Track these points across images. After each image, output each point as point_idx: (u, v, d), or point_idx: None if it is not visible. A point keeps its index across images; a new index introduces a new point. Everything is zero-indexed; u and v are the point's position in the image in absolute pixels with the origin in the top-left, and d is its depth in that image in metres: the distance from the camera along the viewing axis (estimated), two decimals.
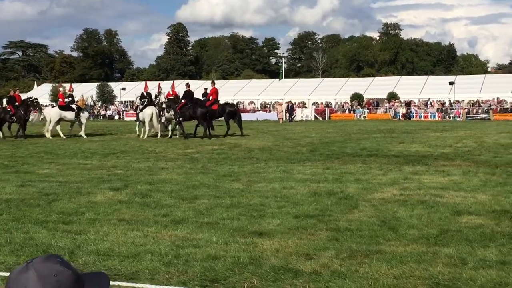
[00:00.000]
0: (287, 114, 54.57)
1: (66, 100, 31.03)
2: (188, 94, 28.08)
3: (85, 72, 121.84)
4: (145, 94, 30.54)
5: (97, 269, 6.32)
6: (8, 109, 30.02)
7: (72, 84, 44.28)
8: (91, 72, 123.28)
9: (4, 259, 6.76)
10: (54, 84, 76.09)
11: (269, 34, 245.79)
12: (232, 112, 28.57)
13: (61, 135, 28.93)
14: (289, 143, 23.36)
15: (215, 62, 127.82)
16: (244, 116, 58.99)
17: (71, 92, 32.66)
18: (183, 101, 27.93)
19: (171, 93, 31.21)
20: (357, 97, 64.31)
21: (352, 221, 8.44)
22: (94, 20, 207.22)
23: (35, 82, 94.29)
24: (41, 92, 76.33)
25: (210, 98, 28.81)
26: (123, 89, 72.82)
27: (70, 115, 29.76)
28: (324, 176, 13.39)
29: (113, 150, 20.90)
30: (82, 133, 29.25)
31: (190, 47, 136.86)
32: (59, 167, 15.94)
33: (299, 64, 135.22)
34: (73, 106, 30.08)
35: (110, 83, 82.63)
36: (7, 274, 5.91)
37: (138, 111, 30.16)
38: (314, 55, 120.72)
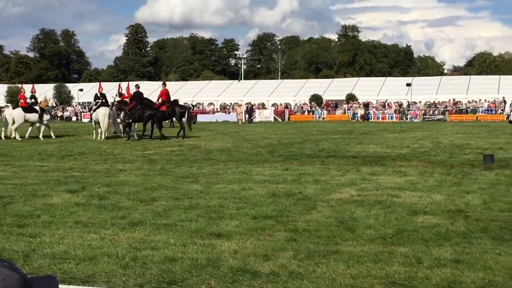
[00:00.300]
0: (247, 116, 54.65)
1: (28, 101, 30.60)
2: (138, 95, 28.06)
3: (41, 73, 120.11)
4: (99, 95, 30.26)
5: (53, 272, 6.22)
6: None
7: (28, 84, 43.64)
8: (48, 73, 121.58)
9: None
10: (9, 85, 74.87)
11: (228, 35, 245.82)
12: (182, 112, 28.53)
13: (17, 137, 28.42)
14: (248, 144, 23.39)
15: (174, 63, 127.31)
16: (204, 118, 59.02)
17: (33, 94, 32.26)
18: (133, 102, 27.86)
19: (126, 95, 31.09)
20: (316, 99, 64.73)
21: (310, 222, 8.48)
22: (51, 20, 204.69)
23: None
24: None
25: (160, 99, 28.94)
26: (81, 90, 72.04)
27: (33, 117, 29.34)
28: (283, 177, 13.44)
29: (70, 152, 20.64)
30: (41, 135, 28.95)
31: (148, 48, 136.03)
32: (14, 169, 15.67)
33: (259, 66, 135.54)
34: (36, 107, 29.73)
35: (68, 84, 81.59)
36: None
37: (91, 112, 29.95)
38: (273, 57, 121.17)
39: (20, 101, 31.50)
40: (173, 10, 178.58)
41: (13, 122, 28.61)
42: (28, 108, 29.51)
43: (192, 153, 19.99)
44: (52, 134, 29.40)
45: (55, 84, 78.84)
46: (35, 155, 19.57)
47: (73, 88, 77.64)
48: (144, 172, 14.68)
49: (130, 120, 27.74)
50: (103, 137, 27.77)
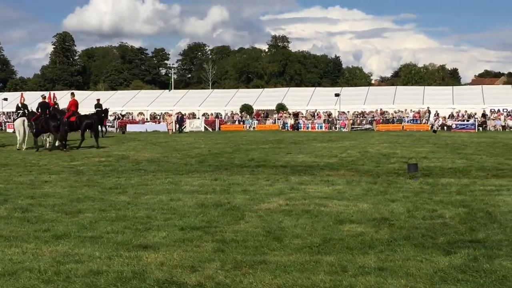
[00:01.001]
0: (177, 125, 54.33)
1: None
2: (43, 105, 27.79)
3: None
4: (20, 105, 29.78)
5: None
6: None
7: None
8: None
9: None
10: None
11: (158, 44, 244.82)
12: (89, 123, 28.42)
13: None
14: (178, 154, 23.25)
15: (103, 72, 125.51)
16: (134, 127, 58.38)
17: None
18: (38, 113, 27.69)
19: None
20: (246, 108, 64.98)
21: (238, 232, 8.48)
22: None
23: None
24: None
25: (69, 109, 29.26)
26: (5, 99, 70.02)
27: None
28: (212, 187, 13.41)
29: None
30: None
31: (77, 57, 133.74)
32: None
33: (189, 75, 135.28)
34: None
35: None
36: None
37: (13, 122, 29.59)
38: (204, 66, 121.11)
39: None
40: (102, 18, 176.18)
41: None
42: None
43: (120, 163, 19.72)
44: None
45: None
46: None
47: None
48: (70, 184, 14.37)
49: (34, 131, 27.49)
50: (22, 147, 27.12)
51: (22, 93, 36.92)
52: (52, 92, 35.90)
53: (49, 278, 6.31)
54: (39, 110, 27.69)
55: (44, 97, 28.72)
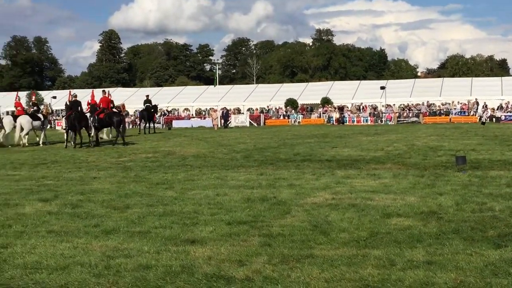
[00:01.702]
0: (222, 121, 54.59)
1: (31, 109, 30.90)
2: (75, 103, 28.59)
3: (14, 81, 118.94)
4: (68, 103, 30.36)
5: (25, 283, 6.16)
6: None
7: (1, 93, 43.37)
8: (20, 80, 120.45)
9: None
10: None
11: (203, 40, 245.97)
12: (118, 121, 28.75)
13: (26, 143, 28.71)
14: (223, 150, 23.36)
15: (149, 69, 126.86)
16: (179, 123, 58.84)
17: (35, 101, 32.62)
18: (69, 111, 28.45)
19: (89, 101, 31.32)
20: (291, 103, 64.88)
21: (285, 226, 8.49)
22: (24, 27, 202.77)
23: None
24: None
25: (99, 106, 29.65)
26: (54, 97, 71.38)
27: (37, 124, 29.82)
28: (258, 182, 13.44)
29: (43, 160, 20.44)
30: (41, 141, 29.72)
31: (123, 54, 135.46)
32: None
33: (234, 71, 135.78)
34: (39, 115, 30.01)
35: (41, 92, 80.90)
36: None
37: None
38: (248, 61, 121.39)
39: (17, 108, 31.49)
40: (147, 16, 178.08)
41: (21, 129, 28.59)
42: (33, 116, 29.70)
43: (167, 159, 19.92)
44: (41, 141, 29.83)
45: (27, 92, 78.10)
46: (7, 164, 19.36)
47: (46, 95, 76.98)
48: (118, 180, 14.59)
49: (67, 128, 28.24)
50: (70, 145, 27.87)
51: (70, 91, 37.62)
52: (107, 90, 36.43)
53: (99, 272, 6.43)
54: (71, 108, 28.34)
55: (75, 96, 29.33)
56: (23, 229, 8.77)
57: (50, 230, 8.63)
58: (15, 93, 45.38)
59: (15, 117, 30.09)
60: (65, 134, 28.28)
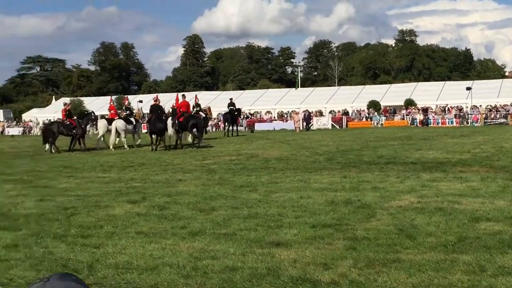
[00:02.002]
0: (304, 123, 54.51)
1: (124, 113, 32.00)
2: (155, 107, 29.57)
3: (102, 86, 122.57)
4: (155, 107, 31.15)
5: (116, 283, 6.37)
6: (68, 122, 29.77)
7: (89, 97, 44.89)
8: (109, 85, 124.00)
9: (24, 274, 6.83)
10: (72, 98, 76.65)
11: (284, 43, 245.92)
12: (194, 124, 29.08)
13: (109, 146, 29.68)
14: (306, 152, 23.34)
15: (231, 72, 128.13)
16: (261, 126, 59.20)
17: (128, 105, 33.76)
18: (150, 115, 29.43)
19: (173, 105, 31.99)
20: (374, 105, 64.11)
21: (370, 230, 8.42)
22: (111, 34, 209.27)
23: (53, 96, 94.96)
24: (60, 107, 76.94)
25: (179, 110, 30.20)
26: (140, 101, 73.09)
27: (131, 127, 30.98)
28: (342, 184, 13.37)
29: (131, 163, 21.01)
30: (137, 142, 31.14)
31: (206, 58, 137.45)
32: (77, 181, 16.06)
33: (315, 73, 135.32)
34: (132, 119, 30.95)
35: (128, 96, 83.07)
36: None
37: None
38: (330, 64, 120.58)
39: (111, 112, 32.66)
40: (230, 19, 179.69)
41: (115, 132, 29.58)
42: (126, 119, 30.66)
43: (250, 162, 20.08)
44: (127, 145, 30.67)
45: (115, 96, 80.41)
46: (97, 167, 20.01)
47: (133, 99, 78.92)
48: (203, 182, 14.83)
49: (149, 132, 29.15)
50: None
51: (156, 95, 38.62)
52: (186, 94, 37.21)
53: (188, 273, 6.57)
54: (152, 112, 29.09)
55: (155, 99, 30.07)
56: (113, 230, 9.06)
57: (139, 231, 8.88)
58: (103, 97, 46.89)
59: (109, 120, 31.08)
60: (150, 137, 29.01)
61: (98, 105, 71.03)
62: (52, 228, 9.29)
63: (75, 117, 30.40)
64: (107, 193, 13.18)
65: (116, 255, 7.48)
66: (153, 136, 28.26)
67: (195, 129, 28.87)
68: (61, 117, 30.89)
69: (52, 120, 36.77)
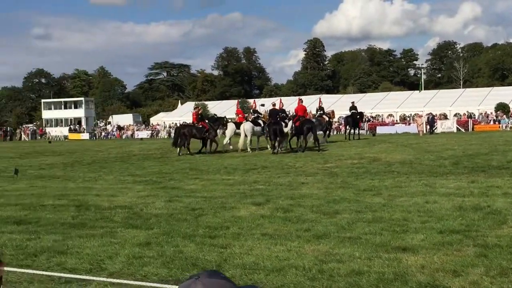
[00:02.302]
0: (428, 126, 53.16)
1: (252, 115, 32.85)
2: (273, 112, 30.04)
3: (225, 90, 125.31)
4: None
5: (244, 282, 6.49)
6: (201, 126, 30.56)
7: (213, 101, 46.10)
8: (231, 89, 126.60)
9: (157, 271, 7.11)
10: (196, 102, 78.83)
11: (407, 45, 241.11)
12: (309, 128, 28.87)
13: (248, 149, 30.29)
14: (430, 156, 22.77)
15: (352, 75, 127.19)
16: (383, 129, 58.37)
17: (256, 109, 34.68)
18: (269, 118, 29.82)
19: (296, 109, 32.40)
20: (502, 107, 61.50)
21: (502, 237, 8.10)
22: (234, 39, 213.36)
23: (179, 101, 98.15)
24: (185, 111, 79.43)
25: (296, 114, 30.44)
26: (262, 105, 74.04)
27: (259, 129, 31.51)
28: (469, 190, 12.94)
29: (254, 166, 21.32)
30: (268, 145, 30.84)
31: (327, 62, 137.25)
32: (203, 182, 16.51)
33: (439, 75, 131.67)
34: (259, 121, 31.67)
35: (250, 100, 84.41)
36: (160, 285, 6.22)
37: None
38: (454, 65, 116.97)
39: (238, 115, 33.76)
40: (351, 22, 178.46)
41: (244, 136, 30.30)
42: (254, 122, 31.37)
43: (372, 165, 19.85)
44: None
45: (238, 100, 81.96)
46: (221, 169, 20.47)
47: None
48: (325, 185, 14.83)
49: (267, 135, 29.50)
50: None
51: (280, 99, 39.15)
52: (303, 98, 37.55)
53: (313, 276, 6.60)
54: (270, 116, 29.49)
55: (274, 104, 30.45)
56: (239, 231, 9.25)
57: (264, 233, 9.01)
58: (226, 101, 48.02)
59: (237, 124, 31.75)
60: (269, 141, 29.29)
61: (222, 108, 72.64)
62: (181, 228, 9.61)
63: (206, 120, 31.25)
64: (231, 195, 13.47)
65: (243, 255, 7.63)
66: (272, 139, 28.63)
67: (310, 133, 28.96)
68: (186, 121, 31.86)
69: (182, 123, 37.95)
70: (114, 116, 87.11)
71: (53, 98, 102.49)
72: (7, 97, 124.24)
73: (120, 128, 77.26)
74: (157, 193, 14.42)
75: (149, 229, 9.72)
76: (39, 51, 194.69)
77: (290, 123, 29.32)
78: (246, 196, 13.26)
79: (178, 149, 29.98)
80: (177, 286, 1.77)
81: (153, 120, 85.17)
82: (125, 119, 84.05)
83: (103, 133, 76.86)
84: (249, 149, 30.31)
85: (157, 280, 6.68)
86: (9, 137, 77.31)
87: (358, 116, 42.61)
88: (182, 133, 30.04)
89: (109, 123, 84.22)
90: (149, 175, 19.30)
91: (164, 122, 77.45)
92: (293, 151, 28.33)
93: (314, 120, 32.67)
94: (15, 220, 11.06)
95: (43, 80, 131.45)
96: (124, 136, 72.83)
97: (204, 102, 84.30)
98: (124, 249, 8.23)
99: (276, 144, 28.39)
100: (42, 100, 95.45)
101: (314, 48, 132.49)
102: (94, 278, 6.54)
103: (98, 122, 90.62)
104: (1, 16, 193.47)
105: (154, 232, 9.45)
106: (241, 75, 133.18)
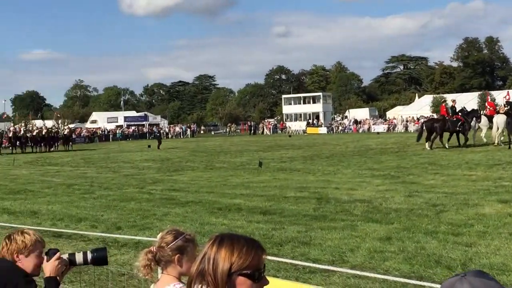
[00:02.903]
0: None
1: (505, 107, 31.37)
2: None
3: (464, 82, 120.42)
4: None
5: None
6: (455, 119, 29.65)
7: (451, 94, 44.23)
8: (471, 81, 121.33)
9: (398, 266, 7.06)
10: (434, 96, 76.87)
11: None
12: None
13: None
14: None
15: None
16: None
17: (510, 100, 33.54)
18: None
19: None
20: None
21: None
22: (475, 29, 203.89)
23: (416, 94, 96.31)
24: (422, 104, 77.79)
25: None
26: None
27: None
28: None
29: (497, 161, 20.20)
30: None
31: None
32: (443, 178, 16.03)
33: None
34: None
35: (492, 92, 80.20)
36: (402, 280, 6.15)
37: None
38: None
39: (489, 108, 32.56)
40: None
41: (497, 129, 29.13)
42: (507, 114, 29.81)
43: None
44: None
45: (479, 93, 78.33)
46: (462, 164, 19.70)
47: (497, 95, 76.00)
48: None
49: None
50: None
51: None
52: None
53: None
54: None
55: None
56: (484, 229, 8.84)
57: None
58: (466, 93, 46.24)
59: (488, 117, 30.27)
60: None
61: (461, 101, 69.91)
62: (422, 224, 9.43)
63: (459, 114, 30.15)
64: (474, 192, 12.91)
65: (490, 255, 7.29)
66: None
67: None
68: (424, 114, 31.07)
69: (434, 117, 37.17)
70: (350, 110, 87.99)
71: (292, 93, 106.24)
72: (251, 94, 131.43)
73: (356, 122, 77.82)
74: (396, 187, 14.29)
75: (389, 223, 9.67)
76: (280, 49, 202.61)
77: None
78: (491, 193, 12.62)
79: (430, 143, 29.14)
80: (439, 285, 1.74)
81: (390, 114, 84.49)
82: (362, 113, 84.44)
83: (340, 127, 77.94)
84: (499, 142, 28.49)
85: (399, 275, 6.62)
86: (252, 131, 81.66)
87: None
88: (432, 127, 29.34)
89: (346, 117, 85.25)
90: (387, 169, 19.18)
91: (401, 116, 76.39)
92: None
93: None
94: (261, 210, 11.65)
95: (283, 76, 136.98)
96: (360, 130, 73.22)
97: (443, 95, 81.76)
98: (365, 243, 8.29)
99: None
100: (283, 96, 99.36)
101: None
102: (338, 269, 6.64)
103: (335, 116, 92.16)
104: (245, 17, 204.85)
105: (394, 227, 9.38)
106: (482, 66, 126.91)
